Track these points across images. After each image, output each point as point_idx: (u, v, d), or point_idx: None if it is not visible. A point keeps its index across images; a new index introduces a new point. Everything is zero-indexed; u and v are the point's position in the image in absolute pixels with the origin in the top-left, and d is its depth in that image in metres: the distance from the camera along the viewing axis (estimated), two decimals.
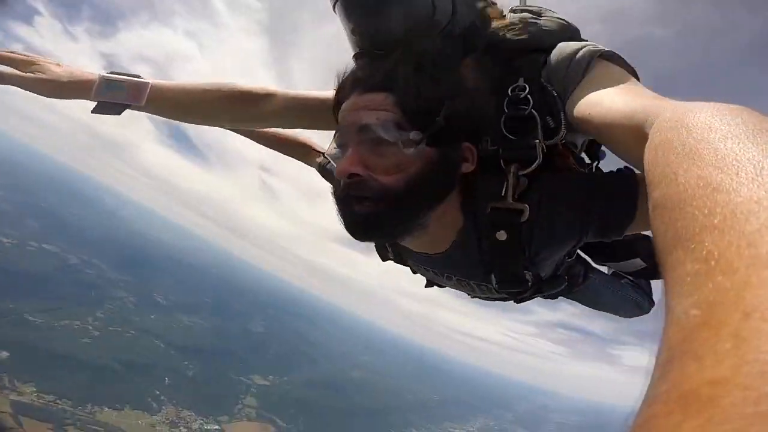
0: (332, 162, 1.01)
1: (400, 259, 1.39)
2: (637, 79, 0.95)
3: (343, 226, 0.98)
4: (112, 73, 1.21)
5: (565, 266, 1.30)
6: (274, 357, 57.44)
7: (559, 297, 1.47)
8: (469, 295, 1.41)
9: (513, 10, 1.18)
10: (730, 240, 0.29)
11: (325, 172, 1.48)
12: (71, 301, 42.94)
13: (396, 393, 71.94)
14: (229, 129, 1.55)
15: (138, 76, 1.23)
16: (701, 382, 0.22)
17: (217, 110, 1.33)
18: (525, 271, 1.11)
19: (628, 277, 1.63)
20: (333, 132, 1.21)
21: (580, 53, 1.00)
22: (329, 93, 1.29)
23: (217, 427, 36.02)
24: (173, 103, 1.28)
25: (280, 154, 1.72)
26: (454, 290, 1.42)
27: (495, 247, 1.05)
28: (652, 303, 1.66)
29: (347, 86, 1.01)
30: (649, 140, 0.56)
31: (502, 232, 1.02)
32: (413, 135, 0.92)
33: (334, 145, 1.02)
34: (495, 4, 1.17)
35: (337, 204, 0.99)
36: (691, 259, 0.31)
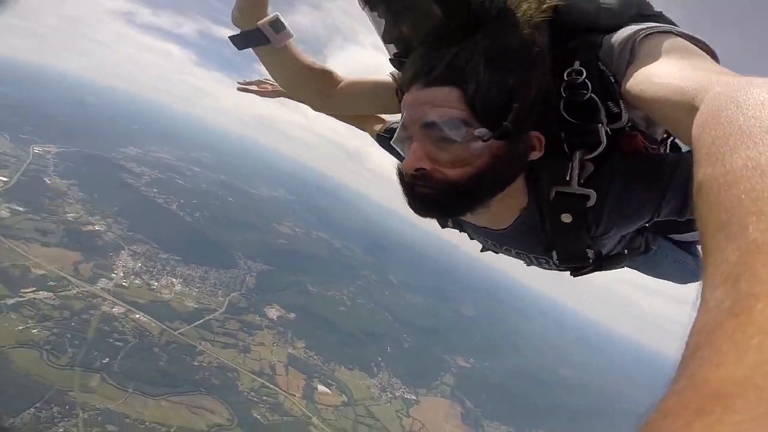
0: (398, 149, 1.05)
1: (459, 228, 1.45)
2: (711, 55, 0.88)
3: (405, 203, 1.02)
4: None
5: (626, 241, 1.30)
6: (479, 341, 59.25)
7: (622, 267, 1.43)
8: (525, 264, 1.43)
9: None
10: None
11: (382, 140, 1.60)
12: (336, 276, 54.84)
13: (609, 397, 62.89)
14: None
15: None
16: (720, 379, 0.21)
17: (301, 76, 1.45)
18: (588, 249, 1.14)
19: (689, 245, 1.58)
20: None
21: (632, 35, 0.96)
22: (383, 76, 1.43)
23: (414, 397, 38.48)
24: (291, 57, 1.39)
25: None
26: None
27: (559, 228, 1.07)
28: None
29: (408, 76, 0.98)
30: (697, 116, 0.53)
31: (567, 215, 1.04)
32: (480, 132, 0.90)
33: (400, 135, 1.02)
34: None
35: (402, 187, 1.03)
36: (733, 246, 0.29)
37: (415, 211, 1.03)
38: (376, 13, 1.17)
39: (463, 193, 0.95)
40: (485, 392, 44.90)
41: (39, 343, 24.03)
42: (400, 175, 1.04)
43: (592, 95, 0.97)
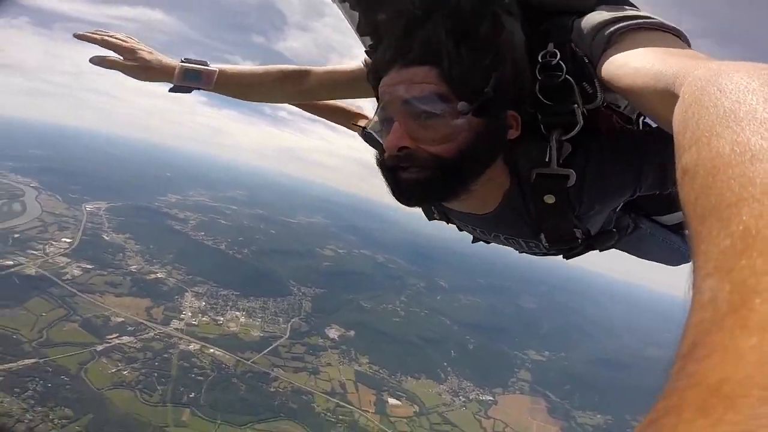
0: (376, 135, 1.05)
1: (446, 219, 1.44)
2: (684, 41, 0.88)
3: (390, 192, 1.01)
4: (187, 61, 1.43)
5: (613, 220, 1.32)
6: (548, 333, 56.86)
7: (610, 249, 1.45)
8: (517, 250, 1.44)
9: None
10: None
11: (366, 137, 1.55)
12: (385, 289, 55.46)
13: None
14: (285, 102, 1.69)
15: (206, 63, 1.44)
16: (721, 378, 0.20)
17: (270, 89, 1.53)
18: (575, 229, 1.14)
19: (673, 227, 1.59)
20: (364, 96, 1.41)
21: (609, 28, 0.93)
22: (356, 64, 1.46)
23: (491, 398, 37.54)
24: (235, 85, 1.50)
25: None
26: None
27: (543, 209, 1.08)
28: None
29: (384, 60, 0.98)
30: (678, 101, 0.52)
31: (550, 196, 1.04)
32: (460, 106, 0.91)
33: (377, 119, 1.02)
34: None
35: (383, 172, 1.02)
36: (725, 233, 0.28)
37: (400, 200, 1.00)
38: (347, 5, 1.13)
39: (447, 170, 0.95)
40: (568, 383, 42.54)
41: (131, 383, 26.14)
42: (381, 162, 1.03)
43: (567, 77, 0.97)
